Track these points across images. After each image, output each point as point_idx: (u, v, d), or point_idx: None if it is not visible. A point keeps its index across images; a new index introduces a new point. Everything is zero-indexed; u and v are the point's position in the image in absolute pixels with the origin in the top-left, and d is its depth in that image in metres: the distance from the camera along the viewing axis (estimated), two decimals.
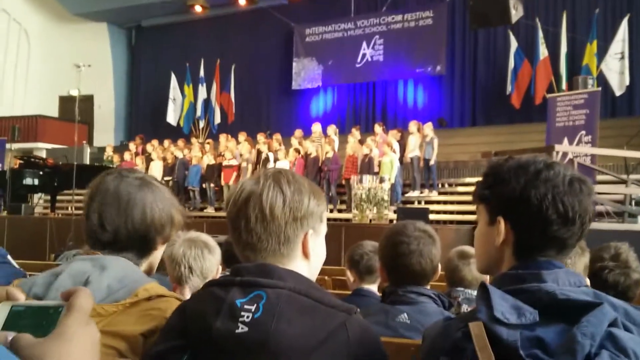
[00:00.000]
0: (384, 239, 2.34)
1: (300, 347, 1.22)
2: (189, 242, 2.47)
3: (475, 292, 2.86)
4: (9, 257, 1.93)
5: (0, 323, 0.80)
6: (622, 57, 12.79)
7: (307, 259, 1.41)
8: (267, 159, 13.64)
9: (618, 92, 12.97)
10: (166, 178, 14.55)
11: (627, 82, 12.87)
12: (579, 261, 2.73)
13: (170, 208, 1.65)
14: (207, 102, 18.77)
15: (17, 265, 2.07)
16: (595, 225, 8.00)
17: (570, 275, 1.27)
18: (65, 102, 19.83)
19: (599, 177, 10.19)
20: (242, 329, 1.24)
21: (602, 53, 12.98)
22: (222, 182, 14.23)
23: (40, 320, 0.80)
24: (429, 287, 2.31)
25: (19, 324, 0.79)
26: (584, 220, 1.30)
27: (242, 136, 15.14)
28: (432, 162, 12.68)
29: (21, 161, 14.12)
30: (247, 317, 1.24)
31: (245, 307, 1.26)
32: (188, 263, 2.43)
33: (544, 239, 1.30)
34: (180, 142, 16.09)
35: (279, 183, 1.37)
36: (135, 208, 1.57)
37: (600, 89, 11.04)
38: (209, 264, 2.47)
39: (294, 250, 1.39)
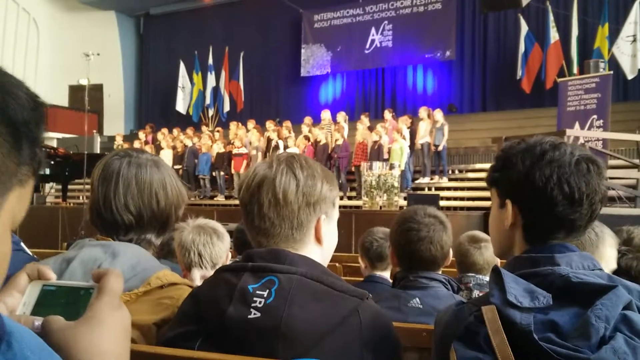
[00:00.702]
0: (394, 225, 2.33)
1: (312, 332, 1.22)
2: (198, 228, 2.48)
3: (486, 278, 2.86)
4: (22, 244, 1.94)
5: (32, 302, 0.81)
6: (634, 40, 12.64)
7: (320, 244, 1.41)
8: (276, 147, 13.63)
9: (630, 76, 12.83)
10: (176, 166, 14.58)
11: (639, 65, 12.72)
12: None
13: (180, 186, 1.67)
14: (216, 90, 18.76)
15: (30, 253, 2.08)
16: (607, 210, 7.96)
17: (583, 258, 1.26)
18: (75, 91, 19.91)
19: (611, 162, 10.11)
20: (254, 314, 1.24)
21: (613, 36, 12.84)
22: (232, 170, 14.25)
23: (71, 301, 0.80)
24: (440, 272, 2.31)
25: (50, 303, 0.80)
26: (593, 200, 1.28)
27: (251, 124, 15.14)
28: (442, 148, 12.63)
29: None
30: (260, 302, 1.25)
31: (258, 292, 1.26)
32: (197, 249, 2.44)
33: (551, 221, 1.30)
34: (190, 131, 16.11)
35: (292, 168, 1.36)
36: (157, 189, 1.58)
37: (611, 72, 10.92)
38: (218, 250, 2.47)
39: (306, 236, 1.38)
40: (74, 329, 0.74)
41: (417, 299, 2.16)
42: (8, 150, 0.67)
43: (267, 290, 1.25)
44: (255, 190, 1.36)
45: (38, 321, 0.76)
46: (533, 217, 1.32)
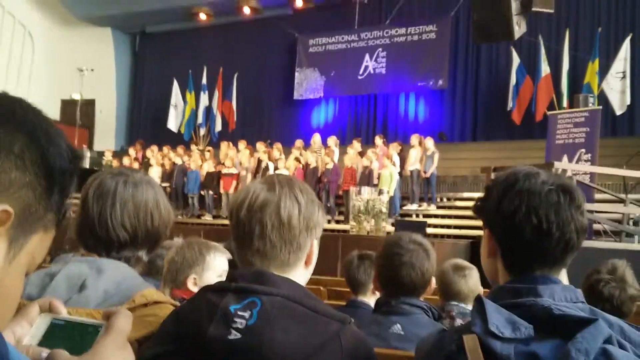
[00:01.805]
0: (380, 250, 2.34)
1: (293, 356, 1.21)
2: (188, 247, 2.46)
3: (469, 306, 2.86)
4: None
5: (40, 334, 0.81)
6: (624, 77, 12.83)
7: (307, 266, 1.43)
8: (266, 168, 13.64)
9: (619, 112, 12.99)
10: (164, 184, 14.53)
11: (628, 101, 12.89)
12: None
13: (169, 205, 1.70)
14: (208, 109, 18.77)
15: None
16: (593, 243, 8.00)
17: (566, 290, 1.26)
18: (67, 105, 19.88)
19: (598, 196, 10.18)
20: (235, 335, 1.23)
21: (603, 72, 13.02)
22: (222, 190, 14.23)
23: (78, 337, 0.81)
24: (422, 299, 2.31)
25: (57, 337, 0.80)
26: (565, 231, 1.26)
27: (242, 144, 15.17)
28: (430, 176, 12.69)
29: None
30: (241, 323, 1.24)
31: (239, 313, 1.25)
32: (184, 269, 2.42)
33: (522, 251, 1.29)
34: (180, 149, 16.09)
35: (294, 192, 1.38)
36: (152, 208, 1.60)
37: (601, 107, 11.06)
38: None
39: (299, 259, 1.40)
40: None
41: (399, 325, 2.15)
42: (40, 193, 0.71)
43: (249, 312, 1.25)
44: (257, 211, 1.36)
45: (45, 353, 0.77)
46: (507, 247, 1.32)
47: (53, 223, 0.75)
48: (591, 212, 8.49)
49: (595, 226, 9.05)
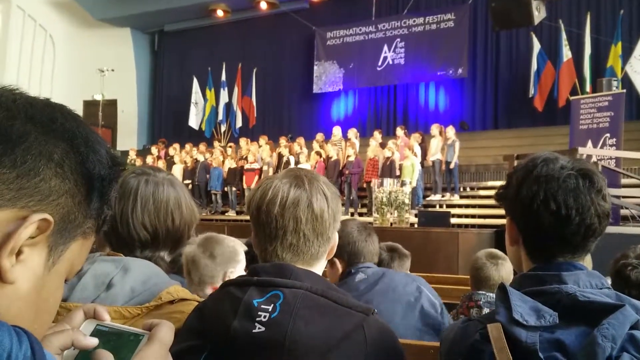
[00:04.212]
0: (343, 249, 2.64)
1: (317, 347, 1.22)
2: (218, 244, 2.48)
3: None
4: None
5: None
6: None
7: (328, 257, 1.46)
8: (288, 162, 13.68)
9: None
10: (186, 181, 14.65)
11: None
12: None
13: (193, 204, 1.69)
14: (228, 106, 18.85)
15: None
16: (620, 229, 7.89)
17: (591, 276, 1.25)
18: (89, 106, 20.08)
19: (624, 181, 10.04)
20: (259, 328, 1.24)
21: (627, 55, 12.79)
22: (244, 186, 14.30)
23: (120, 345, 0.82)
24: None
25: (100, 343, 0.82)
26: (585, 216, 1.25)
27: (262, 140, 15.21)
28: (453, 166, 12.61)
29: None
30: (264, 317, 1.25)
31: (262, 307, 1.26)
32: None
33: (543, 238, 1.28)
34: (202, 146, 16.20)
35: (321, 186, 1.41)
36: (173, 208, 1.61)
37: (624, 91, 10.87)
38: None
39: (326, 251, 1.44)
40: None
41: (360, 274, 2.60)
42: (79, 200, 0.71)
43: (272, 305, 1.26)
44: (290, 207, 1.37)
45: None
46: (527, 234, 1.31)
47: (92, 229, 0.76)
48: (617, 197, 8.37)
49: (623, 211, 8.92)
